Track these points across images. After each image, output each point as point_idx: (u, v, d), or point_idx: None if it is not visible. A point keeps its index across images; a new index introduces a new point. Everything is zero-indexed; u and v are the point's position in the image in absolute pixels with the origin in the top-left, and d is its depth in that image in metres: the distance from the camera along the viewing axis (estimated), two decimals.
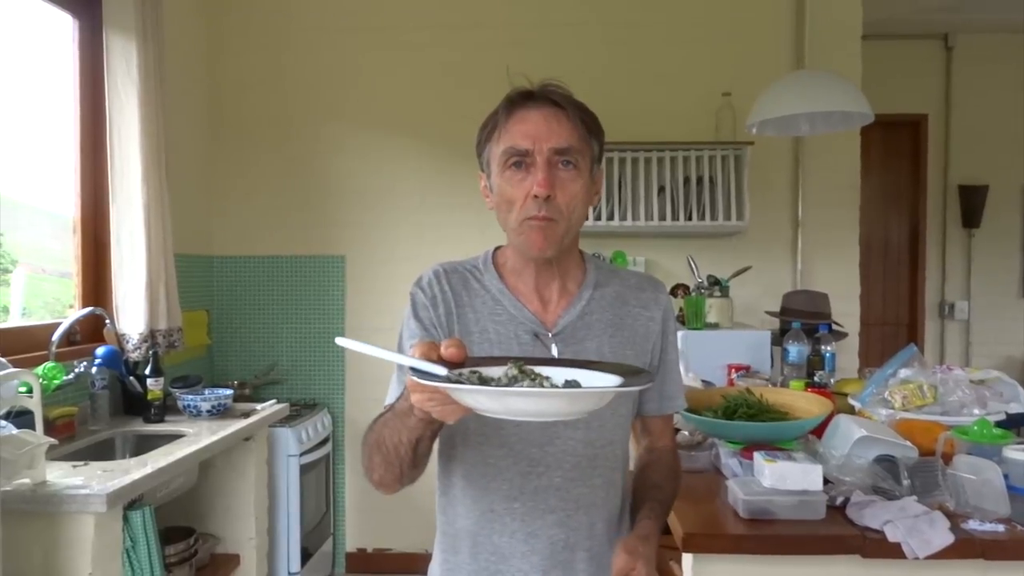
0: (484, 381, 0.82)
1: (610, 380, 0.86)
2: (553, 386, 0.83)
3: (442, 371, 0.83)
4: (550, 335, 1.14)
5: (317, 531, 3.47)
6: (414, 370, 0.83)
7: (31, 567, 1.77)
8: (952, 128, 4.87)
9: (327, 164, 3.74)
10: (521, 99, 1.12)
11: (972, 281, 4.90)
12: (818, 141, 3.64)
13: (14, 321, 2.60)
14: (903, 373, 2.05)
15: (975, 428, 1.65)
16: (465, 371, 0.85)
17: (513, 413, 0.80)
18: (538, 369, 0.87)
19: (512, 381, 0.84)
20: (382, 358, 0.85)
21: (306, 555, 3.26)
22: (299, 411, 3.40)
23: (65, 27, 2.75)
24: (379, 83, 3.72)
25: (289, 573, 3.16)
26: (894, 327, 4.96)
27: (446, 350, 0.84)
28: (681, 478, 1.30)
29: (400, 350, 1.16)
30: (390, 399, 1.13)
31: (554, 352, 1.13)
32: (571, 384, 0.84)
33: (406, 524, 3.68)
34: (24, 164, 2.68)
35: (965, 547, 1.37)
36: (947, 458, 1.62)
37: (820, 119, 2.93)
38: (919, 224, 4.93)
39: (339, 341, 0.90)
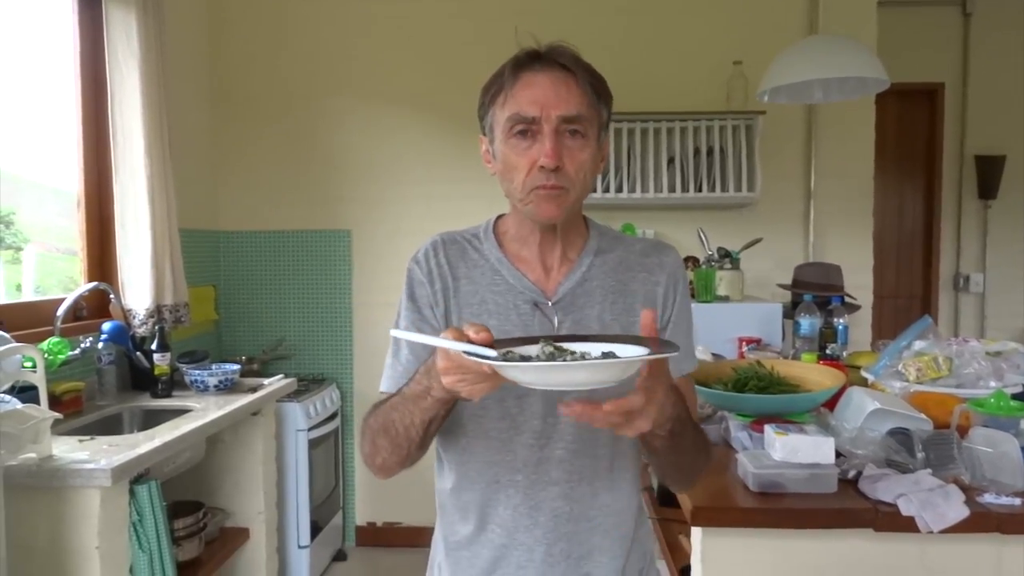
0: (523, 358, 0.86)
1: (636, 351, 0.87)
2: (585, 355, 0.85)
3: (492, 352, 0.85)
4: (550, 303, 1.11)
5: (326, 505, 3.48)
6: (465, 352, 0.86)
7: (37, 541, 1.77)
8: (969, 97, 4.76)
9: (332, 137, 3.70)
10: (528, 61, 1.07)
11: (987, 253, 4.82)
12: (831, 111, 3.57)
13: (26, 299, 2.60)
14: (918, 345, 2.01)
15: (991, 400, 1.62)
16: (503, 351, 0.88)
17: (560, 384, 0.84)
18: (567, 346, 0.90)
19: (550, 358, 0.86)
20: (437, 346, 0.88)
21: (316, 529, 3.28)
22: (307, 386, 3.40)
23: (64, 0, 2.71)
24: (383, 54, 3.67)
25: (299, 547, 3.17)
26: (907, 300, 4.90)
27: (477, 335, 0.84)
28: (711, 450, 1.20)
29: (397, 326, 1.15)
30: (386, 386, 1.12)
31: (555, 321, 1.10)
32: (608, 354, 0.85)
33: (416, 498, 3.68)
34: (31, 142, 2.66)
35: (980, 521, 1.35)
36: (962, 431, 1.59)
37: (834, 85, 2.87)
38: (934, 195, 4.84)
39: (394, 332, 1.01)
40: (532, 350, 0.89)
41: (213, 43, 3.67)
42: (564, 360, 0.85)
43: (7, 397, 1.86)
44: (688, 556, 1.63)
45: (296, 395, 3.17)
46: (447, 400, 0.93)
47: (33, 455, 1.81)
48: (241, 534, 2.77)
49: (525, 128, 1.05)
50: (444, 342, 0.86)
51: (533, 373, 0.83)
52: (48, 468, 1.77)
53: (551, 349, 0.88)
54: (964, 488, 1.41)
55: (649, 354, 0.83)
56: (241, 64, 3.69)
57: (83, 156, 2.78)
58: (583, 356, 0.85)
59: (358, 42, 3.67)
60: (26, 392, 2.00)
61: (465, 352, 0.84)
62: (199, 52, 3.57)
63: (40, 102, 2.72)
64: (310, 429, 3.20)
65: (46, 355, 2.17)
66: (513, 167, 1.07)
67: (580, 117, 1.05)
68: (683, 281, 1.19)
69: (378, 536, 3.79)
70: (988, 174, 4.73)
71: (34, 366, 1.97)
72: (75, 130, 2.76)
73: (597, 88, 1.08)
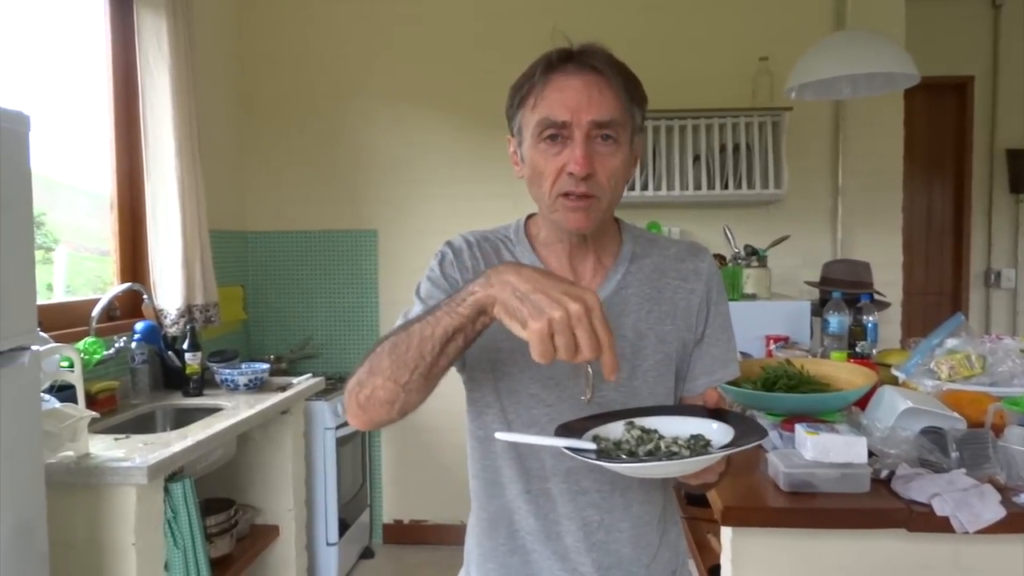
0: (616, 445, 0.93)
1: (714, 425, 0.95)
2: (676, 440, 0.92)
3: (591, 445, 0.91)
4: None
5: (354, 503, 3.51)
6: (568, 448, 0.91)
7: (76, 537, 1.81)
8: (1000, 90, 4.69)
9: (358, 138, 3.73)
10: (559, 62, 1.03)
11: (1020, 248, 4.74)
12: (859, 106, 3.53)
13: (57, 299, 2.65)
14: (950, 343, 1.99)
15: None
16: (588, 435, 0.95)
17: (663, 475, 1.01)
18: (647, 423, 0.97)
19: (639, 442, 0.93)
20: (541, 444, 0.96)
21: (344, 526, 3.31)
22: (335, 384, 3.42)
23: (96, 5, 2.76)
24: (407, 55, 3.69)
25: (327, 544, 3.20)
26: (937, 297, 4.84)
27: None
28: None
29: (418, 294, 1.13)
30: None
31: None
32: (696, 437, 0.93)
33: (442, 496, 3.71)
34: (63, 144, 2.71)
35: (1017, 521, 1.33)
36: (997, 430, 1.57)
37: (862, 81, 2.84)
38: (964, 190, 4.77)
39: (499, 435, 0.96)
40: (615, 431, 0.96)
41: (241, 47, 3.72)
42: (654, 442, 0.93)
43: (46, 396, 1.90)
44: (717, 556, 1.62)
45: (324, 394, 3.20)
46: (483, 309, 0.87)
47: (71, 453, 1.85)
48: (271, 531, 2.81)
49: (555, 133, 1.02)
50: (547, 440, 0.94)
51: (662, 469, 0.91)
52: (85, 466, 1.81)
53: (638, 433, 0.95)
54: (1000, 488, 1.39)
55: (744, 442, 0.89)
56: (268, 67, 3.73)
57: (115, 158, 2.83)
58: (672, 441, 0.93)
59: (382, 43, 3.69)
60: (63, 391, 2.05)
61: (566, 448, 0.90)
62: (227, 56, 3.62)
63: (73, 105, 2.77)
64: (338, 427, 3.22)
65: (82, 355, 2.21)
66: (541, 172, 1.04)
67: (613, 122, 1.01)
68: (719, 287, 1.17)
69: (405, 534, 3.81)
70: (1020, 168, 4.65)
71: (71, 365, 2.01)
72: (107, 133, 2.81)
73: (631, 91, 1.04)
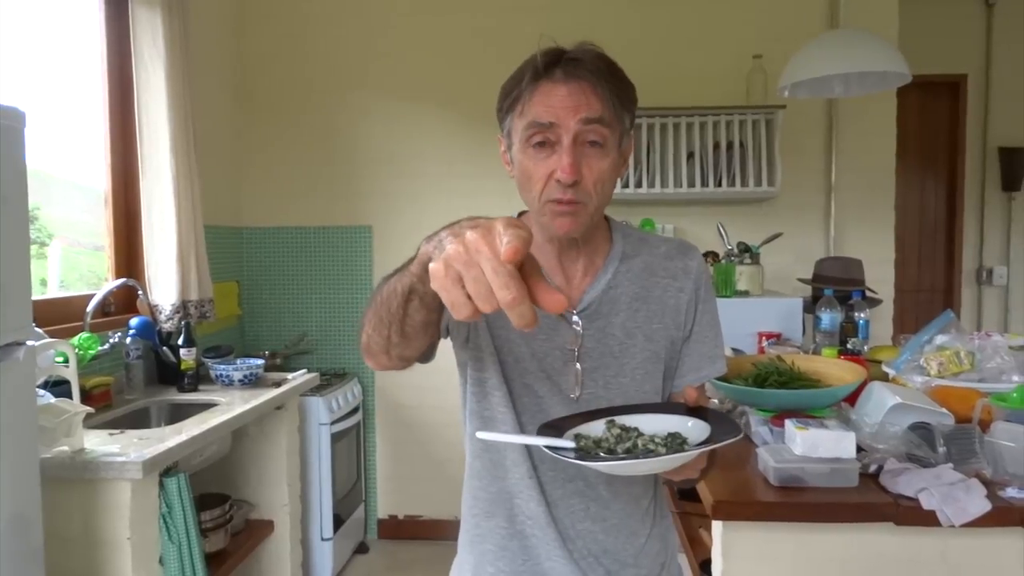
0: (596, 443, 0.94)
1: (691, 423, 0.97)
2: (653, 439, 0.93)
3: (570, 444, 0.93)
4: (574, 313, 1.10)
5: (349, 498, 3.52)
6: (547, 447, 0.92)
7: (71, 532, 1.82)
8: (992, 88, 4.71)
9: (354, 134, 3.73)
10: (547, 69, 1.03)
11: (1011, 246, 4.77)
12: (852, 104, 3.55)
13: (51, 294, 2.65)
14: (939, 339, 2.00)
15: (1014, 395, 1.61)
16: (570, 433, 0.96)
17: (642, 472, 1.04)
18: (628, 420, 0.98)
19: (618, 440, 0.94)
20: (517, 442, 0.98)
21: (338, 521, 3.32)
22: (329, 380, 3.44)
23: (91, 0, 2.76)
24: (405, 50, 3.69)
25: (322, 539, 3.22)
26: (929, 294, 4.86)
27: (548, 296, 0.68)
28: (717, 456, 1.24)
29: None
30: None
31: (577, 327, 1.10)
32: (674, 436, 0.94)
33: (436, 492, 3.72)
34: (57, 139, 2.71)
35: (1003, 515, 1.35)
36: (984, 425, 1.58)
37: (855, 80, 2.85)
38: (956, 188, 4.80)
39: (479, 435, 0.97)
40: (596, 429, 0.98)
41: (237, 42, 3.71)
42: (632, 440, 0.95)
43: (41, 391, 1.90)
44: (708, 550, 1.64)
45: (319, 389, 3.21)
46: (424, 265, 0.80)
47: (66, 448, 1.85)
48: (266, 526, 2.82)
49: (543, 139, 1.02)
50: (524, 438, 0.98)
51: (637, 467, 0.93)
52: (81, 461, 1.82)
53: (618, 431, 0.97)
54: (986, 482, 1.41)
55: (720, 438, 0.90)
56: (264, 62, 3.73)
57: (110, 154, 2.83)
58: (649, 439, 0.94)
59: (379, 39, 3.69)
60: (58, 386, 2.05)
61: (546, 447, 0.91)
62: (223, 51, 3.61)
63: (68, 100, 2.77)
64: (332, 423, 3.23)
65: (77, 350, 2.22)
66: (530, 177, 1.04)
67: (600, 128, 1.01)
68: (708, 286, 1.18)
69: (399, 529, 3.83)
70: (1012, 166, 4.68)
71: (66, 361, 2.02)
72: (102, 128, 2.81)
73: (621, 96, 1.04)
